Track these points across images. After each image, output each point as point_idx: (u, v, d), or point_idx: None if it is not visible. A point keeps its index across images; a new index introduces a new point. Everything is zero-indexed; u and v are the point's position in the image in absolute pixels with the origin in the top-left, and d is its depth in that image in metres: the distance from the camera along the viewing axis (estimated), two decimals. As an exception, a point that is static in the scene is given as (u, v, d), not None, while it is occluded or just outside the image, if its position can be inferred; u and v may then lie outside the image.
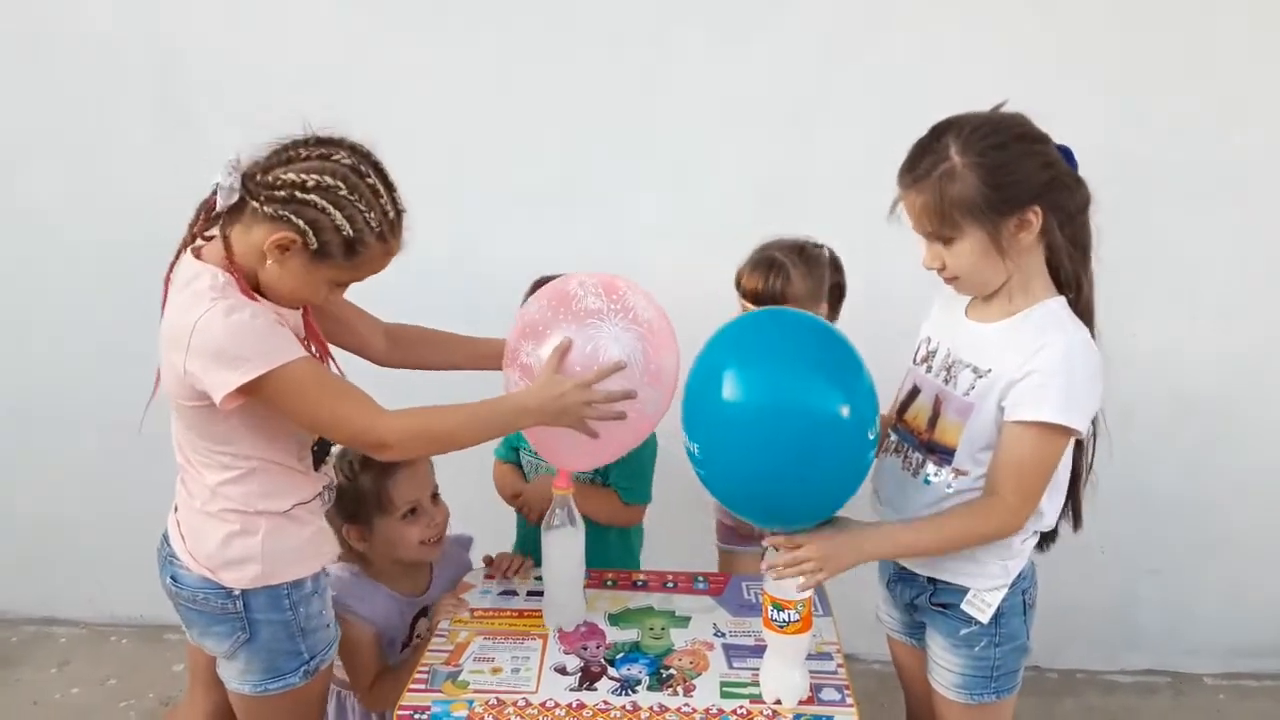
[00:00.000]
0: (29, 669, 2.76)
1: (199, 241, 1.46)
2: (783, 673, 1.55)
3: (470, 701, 1.54)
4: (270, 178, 1.37)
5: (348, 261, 1.41)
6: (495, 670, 1.63)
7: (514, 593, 1.88)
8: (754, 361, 1.45)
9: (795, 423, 1.37)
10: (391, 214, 1.42)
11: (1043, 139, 1.42)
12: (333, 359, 1.61)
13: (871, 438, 1.44)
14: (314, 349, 1.55)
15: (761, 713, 1.52)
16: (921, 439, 1.54)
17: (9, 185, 2.63)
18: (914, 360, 1.61)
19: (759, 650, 1.62)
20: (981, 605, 1.52)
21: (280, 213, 1.36)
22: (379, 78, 2.42)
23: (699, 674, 1.62)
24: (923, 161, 1.40)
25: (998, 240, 1.39)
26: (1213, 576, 2.66)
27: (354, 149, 1.41)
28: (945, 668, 1.59)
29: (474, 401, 1.56)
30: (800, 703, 1.53)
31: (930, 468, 1.52)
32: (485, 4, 2.41)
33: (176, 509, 1.57)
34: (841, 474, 1.43)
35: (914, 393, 1.58)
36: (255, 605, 1.50)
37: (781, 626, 1.50)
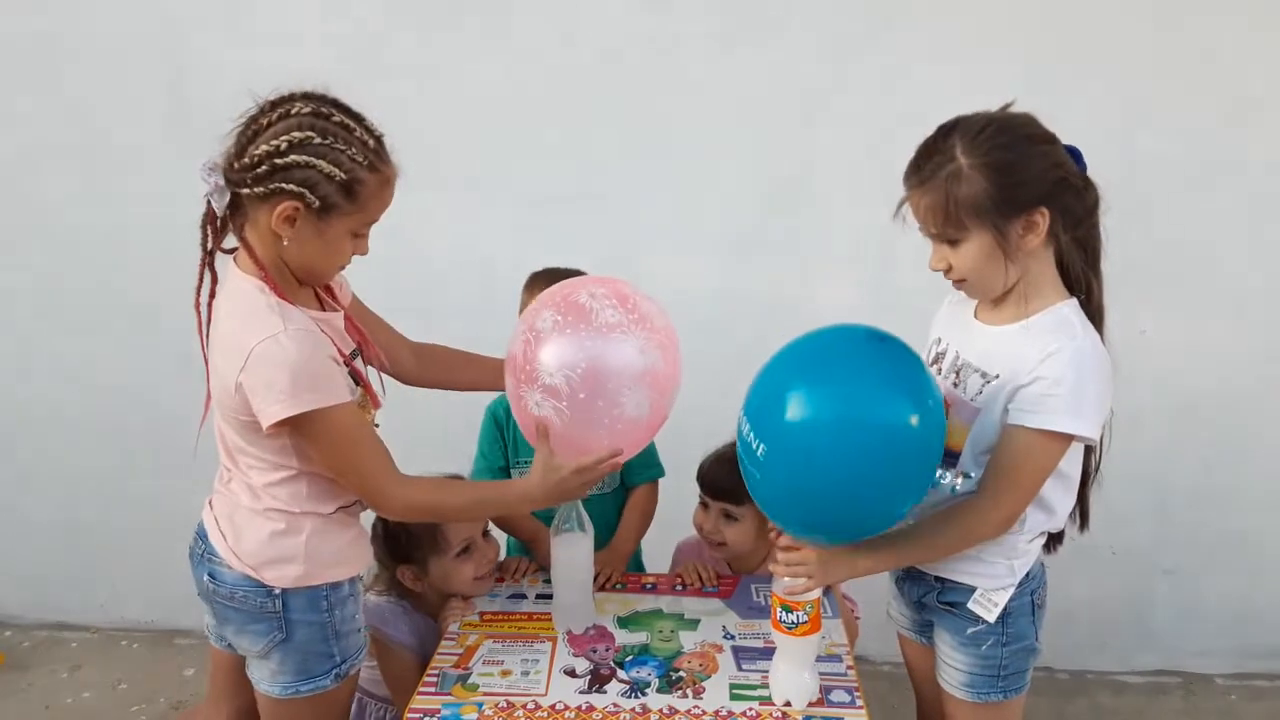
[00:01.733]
0: (40, 673, 2.76)
1: (221, 251, 1.46)
2: (792, 674, 1.55)
3: (480, 704, 1.54)
4: (246, 160, 1.36)
5: (353, 204, 1.39)
6: (505, 673, 1.63)
7: (523, 596, 1.89)
8: (849, 378, 1.38)
9: (879, 443, 1.33)
10: (371, 142, 1.40)
11: (1050, 139, 1.40)
12: (377, 358, 1.61)
13: (937, 476, 1.42)
14: (357, 358, 1.56)
15: (771, 714, 1.52)
16: None
17: (23, 191, 2.65)
18: (926, 362, 1.60)
19: (768, 652, 1.62)
20: (988, 605, 1.52)
21: (271, 187, 1.35)
22: (386, 80, 2.42)
23: (708, 676, 1.62)
24: (929, 162, 1.39)
25: (1004, 242, 1.38)
26: (1224, 577, 2.64)
27: (308, 96, 1.39)
28: (953, 666, 1.58)
29: (484, 484, 1.81)
30: (810, 704, 1.53)
31: (936, 470, 1.51)
32: (488, 6, 2.42)
33: (213, 506, 1.57)
34: (899, 502, 1.41)
35: None
36: (294, 605, 1.50)
37: (790, 628, 1.50)
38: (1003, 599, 1.51)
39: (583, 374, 1.51)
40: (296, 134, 1.34)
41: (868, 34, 2.35)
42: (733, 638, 1.73)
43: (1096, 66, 2.29)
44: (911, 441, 1.35)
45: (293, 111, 1.36)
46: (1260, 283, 2.44)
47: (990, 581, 1.52)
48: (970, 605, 1.53)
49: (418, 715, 1.53)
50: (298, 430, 1.41)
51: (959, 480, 1.48)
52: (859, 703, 1.54)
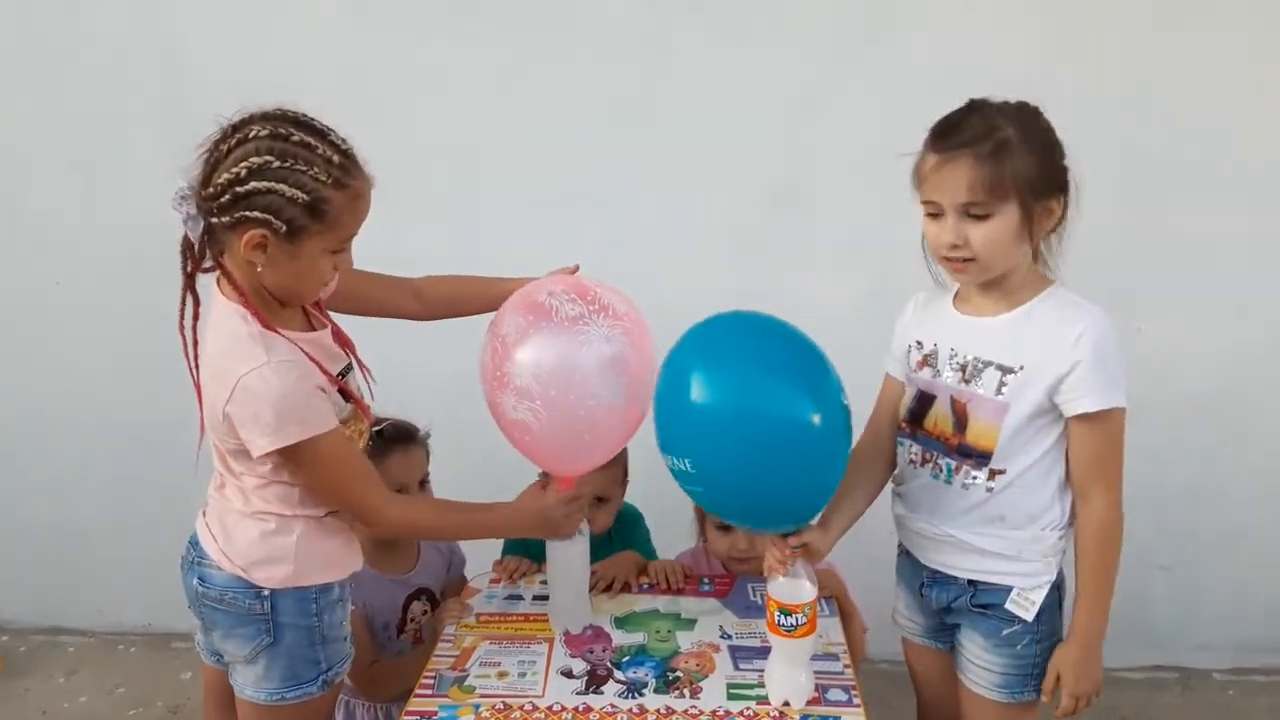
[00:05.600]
0: (37, 678, 2.76)
1: (202, 272, 1.45)
2: (790, 675, 1.54)
3: (477, 706, 1.54)
4: (210, 189, 1.34)
5: (321, 224, 1.36)
6: (501, 674, 1.63)
7: (520, 597, 1.89)
8: (719, 368, 1.43)
9: (765, 428, 1.37)
10: (336, 158, 1.36)
11: None
12: (363, 365, 1.60)
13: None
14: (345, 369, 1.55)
15: (768, 714, 1.52)
16: (950, 444, 1.51)
17: (20, 195, 2.64)
18: (911, 368, 1.57)
19: (765, 652, 1.62)
20: (1026, 604, 1.50)
21: (236, 216, 1.34)
22: (384, 84, 2.42)
23: (705, 676, 1.62)
24: (972, 129, 1.37)
25: (1029, 223, 1.38)
26: (1222, 573, 2.64)
27: (266, 116, 1.36)
28: (984, 668, 1.55)
29: (473, 507, 1.66)
30: (807, 703, 1.53)
31: (967, 472, 1.49)
32: (486, 7, 2.41)
33: (206, 515, 1.57)
34: (821, 467, 1.45)
35: (925, 399, 1.54)
36: (283, 608, 1.50)
37: (789, 631, 1.49)
38: (1039, 597, 1.50)
39: (550, 370, 1.52)
40: (255, 160, 1.32)
41: (867, 33, 2.34)
42: (730, 637, 1.73)
43: (1096, 65, 2.29)
44: (797, 415, 1.38)
45: (250, 135, 1.34)
46: (1258, 281, 2.43)
47: (1028, 580, 1.51)
48: (1008, 605, 1.51)
49: (414, 718, 1.53)
50: (286, 458, 1.41)
51: (989, 478, 1.47)
52: (856, 701, 1.54)
